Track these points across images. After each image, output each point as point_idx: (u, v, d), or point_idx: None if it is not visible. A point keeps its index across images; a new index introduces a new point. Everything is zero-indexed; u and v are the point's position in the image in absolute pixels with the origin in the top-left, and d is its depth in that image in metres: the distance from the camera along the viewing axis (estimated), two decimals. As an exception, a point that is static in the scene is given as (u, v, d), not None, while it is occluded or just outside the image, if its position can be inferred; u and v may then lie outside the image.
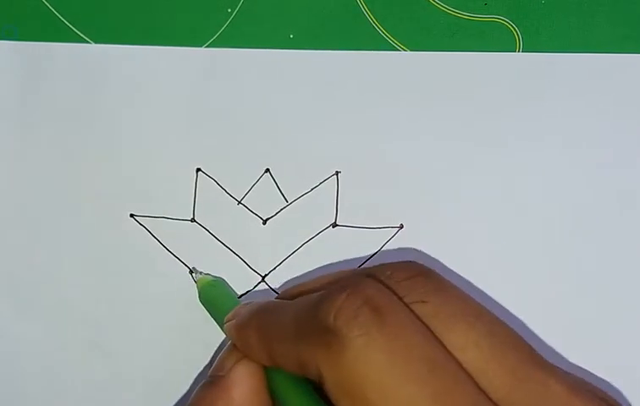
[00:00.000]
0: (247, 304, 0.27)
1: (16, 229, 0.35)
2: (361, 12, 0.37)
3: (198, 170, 0.36)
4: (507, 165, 0.36)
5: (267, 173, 0.36)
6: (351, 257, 0.35)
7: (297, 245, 0.35)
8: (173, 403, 0.34)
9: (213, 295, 0.33)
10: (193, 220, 0.35)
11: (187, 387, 0.34)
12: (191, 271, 0.35)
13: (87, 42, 0.37)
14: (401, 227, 0.35)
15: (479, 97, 0.36)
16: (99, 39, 0.37)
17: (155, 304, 0.35)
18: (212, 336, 0.34)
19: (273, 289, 0.35)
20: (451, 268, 0.35)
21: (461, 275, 0.35)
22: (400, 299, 0.21)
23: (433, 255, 0.35)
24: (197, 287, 0.34)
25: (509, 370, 0.20)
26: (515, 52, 0.37)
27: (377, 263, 0.34)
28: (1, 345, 0.35)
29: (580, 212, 0.36)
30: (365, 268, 0.24)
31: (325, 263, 0.35)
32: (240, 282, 0.35)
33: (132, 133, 0.36)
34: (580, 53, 0.37)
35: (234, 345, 0.26)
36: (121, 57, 0.36)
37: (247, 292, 0.35)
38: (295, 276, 0.35)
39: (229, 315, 0.28)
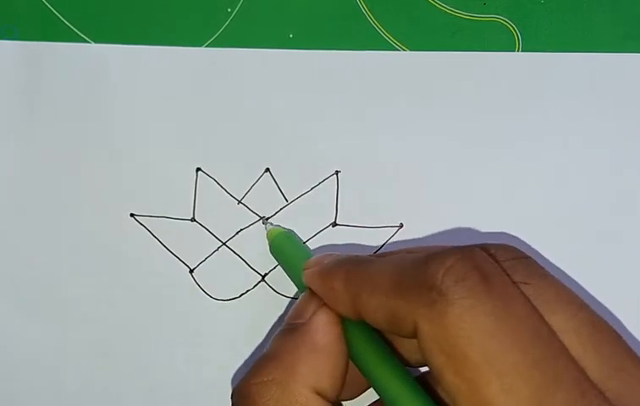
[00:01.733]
0: (330, 254, 0.27)
1: (16, 229, 0.35)
2: (361, 12, 0.37)
3: (198, 170, 0.36)
4: (506, 164, 0.36)
5: (267, 173, 0.36)
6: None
7: (297, 245, 0.35)
8: (174, 403, 0.34)
9: (286, 246, 0.33)
10: (193, 219, 0.35)
11: (187, 387, 0.34)
12: (263, 222, 0.35)
13: (87, 42, 0.37)
14: (401, 226, 0.35)
15: (479, 97, 0.36)
16: (99, 39, 0.37)
17: (155, 304, 0.35)
18: (213, 335, 0.35)
19: (273, 289, 0.35)
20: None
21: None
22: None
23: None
24: (268, 237, 0.34)
25: (605, 358, 0.20)
26: (514, 51, 0.37)
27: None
28: (1, 345, 0.35)
29: (579, 212, 0.36)
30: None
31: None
32: (240, 281, 0.35)
33: (132, 132, 0.36)
34: (579, 53, 0.37)
35: (311, 294, 0.26)
36: (121, 57, 0.36)
37: (247, 291, 0.35)
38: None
39: (309, 263, 0.27)
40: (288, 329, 0.25)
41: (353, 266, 0.24)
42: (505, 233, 0.36)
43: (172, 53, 0.37)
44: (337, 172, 0.36)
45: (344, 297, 0.24)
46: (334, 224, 0.35)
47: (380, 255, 0.26)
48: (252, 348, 0.35)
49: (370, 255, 0.26)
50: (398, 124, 0.36)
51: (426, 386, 0.25)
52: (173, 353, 0.35)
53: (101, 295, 0.35)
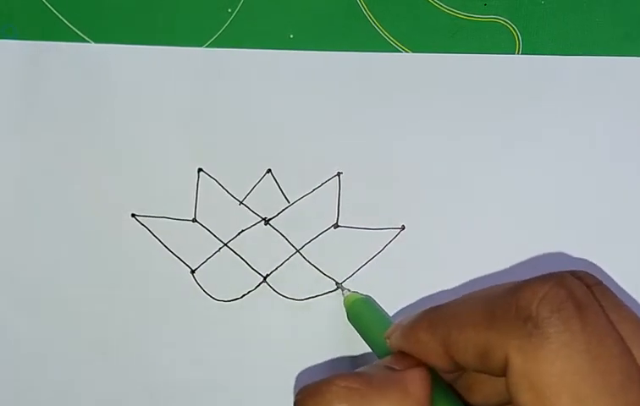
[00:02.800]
0: (405, 318, 0.26)
1: (16, 229, 0.35)
2: (361, 12, 0.37)
3: (200, 170, 0.36)
4: (507, 166, 0.36)
5: (269, 174, 0.36)
6: (353, 258, 0.35)
7: (299, 246, 0.35)
8: (174, 403, 0.34)
9: (365, 313, 0.32)
10: (194, 220, 0.35)
11: (188, 387, 0.34)
12: (338, 287, 0.35)
13: (87, 42, 0.36)
14: (403, 228, 0.35)
15: (479, 99, 0.36)
16: (99, 39, 0.37)
17: (155, 304, 0.35)
18: (214, 336, 0.35)
19: (275, 290, 0.35)
20: (453, 268, 0.35)
21: (462, 275, 0.35)
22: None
23: (434, 256, 0.35)
24: (345, 304, 0.33)
25: None
26: (514, 51, 0.37)
27: (380, 264, 0.35)
28: (1, 345, 0.34)
29: (579, 214, 0.36)
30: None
31: (327, 264, 0.35)
32: (241, 282, 0.35)
33: (133, 133, 0.36)
34: (579, 56, 0.37)
35: (399, 356, 0.26)
36: (121, 57, 0.36)
37: (248, 292, 0.35)
38: (296, 277, 0.35)
39: (389, 332, 0.27)
40: (383, 366, 0.25)
41: (434, 312, 0.24)
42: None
43: (172, 53, 0.37)
44: (339, 174, 0.36)
45: (433, 344, 0.23)
46: (336, 226, 0.35)
47: (459, 297, 0.26)
48: (253, 349, 0.35)
49: (441, 303, 0.25)
50: (399, 126, 0.36)
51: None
52: (174, 354, 0.35)
53: (101, 295, 0.35)
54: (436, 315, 0.24)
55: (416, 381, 0.24)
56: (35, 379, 0.34)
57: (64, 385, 0.34)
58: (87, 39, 0.36)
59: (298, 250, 0.35)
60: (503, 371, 0.20)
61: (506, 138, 0.36)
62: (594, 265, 0.35)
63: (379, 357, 0.29)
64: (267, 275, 0.35)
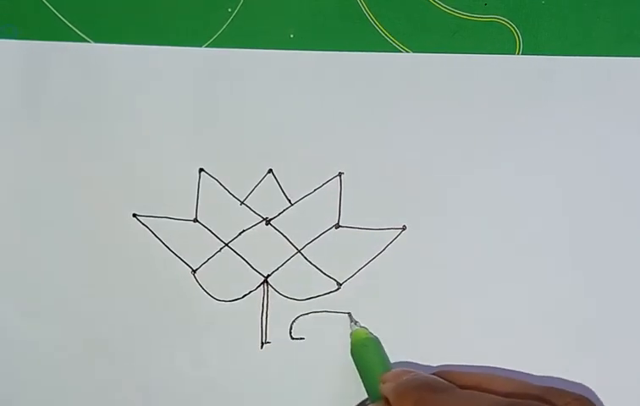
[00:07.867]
0: (407, 371, 0.28)
1: (17, 229, 0.35)
2: (362, 12, 0.37)
3: (201, 170, 0.36)
4: (507, 165, 0.36)
5: (270, 174, 0.36)
6: (354, 258, 0.35)
7: (300, 246, 0.35)
8: (174, 403, 0.34)
9: (369, 352, 0.32)
10: (196, 220, 0.35)
11: (189, 387, 0.34)
12: (350, 318, 0.34)
13: (87, 42, 0.36)
14: (404, 228, 0.35)
15: (480, 99, 0.36)
16: (99, 39, 0.36)
17: (156, 304, 0.35)
18: (215, 336, 0.35)
19: (276, 290, 0.35)
20: (453, 269, 0.35)
21: (463, 276, 0.35)
22: None
23: (435, 256, 0.35)
24: (352, 337, 0.33)
25: None
26: (515, 51, 0.37)
27: (381, 264, 0.35)
28: (1, 345, 0.34)
29: (579, 213, 0.36)
30: (541, 387, 0.26)
31: (328, 264, 0.35)
32: (242, 282, 0.35)
33: (132, 133, 0.36)
34: (580, 56, 0.37)
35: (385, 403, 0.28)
36: (121, 57, 0.36)
37: (249, 292, 0.35)
38: (297, 277, 0.35)
39: (388, 376, 0.29)
40: None
41: (427, 393, 0.26)
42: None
43: (172, 53, 0.37)
44: (340, 174, 0.36)
45: None
46: (337, 226, 0.35)
47: (452, 377, 0.28)
48: (254, 350, 0.35)
49: (445, 382, 0.27)
50: (400, 126, 0.36)
51: None
52: (175, 354, 0.35)
53: (102, 295, 0.35)
54: (425, 396, 0.26)
55: None
56: (35, 378, 0.34)
57: (64, 384, 0.34)
58: (87, 39, 0.36)
59: (299, 250, 0.35)
60: None
61: (506, 137, 0.36)
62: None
63: (371, 398, 0.30)
64: (269, 275, 0.35)
